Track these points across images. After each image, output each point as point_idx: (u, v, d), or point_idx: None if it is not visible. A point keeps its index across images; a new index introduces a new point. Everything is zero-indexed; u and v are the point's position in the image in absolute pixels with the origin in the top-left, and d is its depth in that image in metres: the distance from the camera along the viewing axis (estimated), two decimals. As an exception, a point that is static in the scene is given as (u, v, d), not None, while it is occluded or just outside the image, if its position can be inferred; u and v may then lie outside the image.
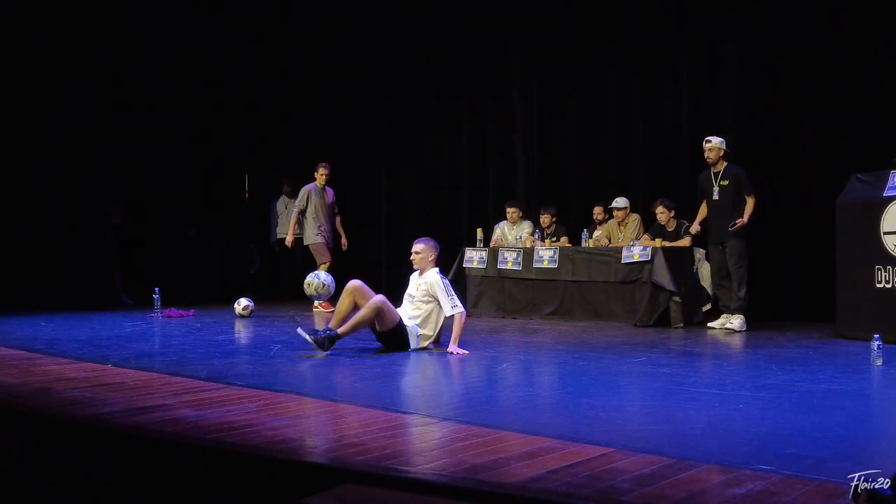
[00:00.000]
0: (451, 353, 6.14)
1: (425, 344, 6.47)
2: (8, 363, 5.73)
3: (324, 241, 10.28)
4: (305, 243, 10.43)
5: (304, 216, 10.33)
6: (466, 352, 6.18)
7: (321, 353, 6.04)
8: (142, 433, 3.64)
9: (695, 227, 8.30)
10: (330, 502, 2.71)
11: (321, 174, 10.29)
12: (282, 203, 12.02)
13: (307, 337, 6.08)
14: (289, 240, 10.43)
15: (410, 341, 6.40)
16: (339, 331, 6.15)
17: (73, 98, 10.46)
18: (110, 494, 3.61)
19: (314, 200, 10.28)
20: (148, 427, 3.72)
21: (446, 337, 6.49)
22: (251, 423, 3.72)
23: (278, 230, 11.91)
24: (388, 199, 12.48)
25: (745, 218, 7.72)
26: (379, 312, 6.19)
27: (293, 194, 11.35)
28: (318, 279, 8.16)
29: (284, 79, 12.95)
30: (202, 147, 11.89)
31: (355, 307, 6.39)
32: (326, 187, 10.40)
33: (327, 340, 6.08)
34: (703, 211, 8.22)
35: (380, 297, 6.25)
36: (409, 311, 6.48)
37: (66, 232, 10.39)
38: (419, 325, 6.44)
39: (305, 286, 8.23)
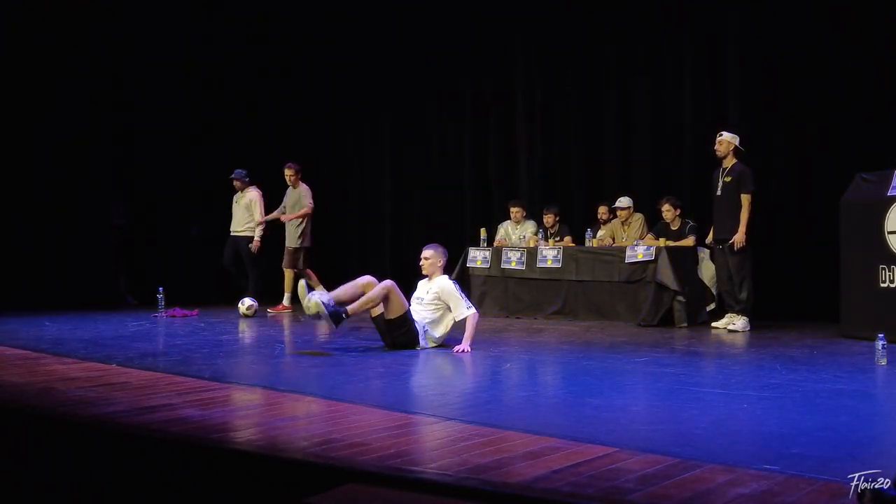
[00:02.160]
0: (457, 350, 6.18)
1: (433, 345, 6.50)
2: (12, 363, 5.74)
3: (288, 246, 9.96)
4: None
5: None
6: (469, 350, 6.20)
7: (332, 327, 6.16)
8: (146, 433, 3.64)
9: (709, 239, 8.14)
10: (334, 502, 2.71)
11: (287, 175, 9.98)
12: (235, 199, 10.55)
13: (322, 308, 6.06)
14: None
15: (420, 340, 6.43)
16: (349, 309, 6.17)
17: (74, 98, 10.46)
18: (114, 494, 3.62)
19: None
20: (152, 427, 3.72)
21: (450, 337, 6.51)
22: (255, 423, 3.72)
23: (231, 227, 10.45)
24: (391, 200, 12.48)
25: (740, 232, 7.56)
26: (389, 294, 6.24)
27: (243, 188, 10.26)
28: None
29: (285, 79, 12.94)
30: (204, 147, 11.88)
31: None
32: (298, 186, 9.97)
33: (338, 317, 6.12)
34: None
35: (390, 281, 6.34)
36: (420, 314, 6.50)
37: (69, 232, 10.40)
38: (428, 326, 6.47)
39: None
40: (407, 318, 6.38)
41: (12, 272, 9.83)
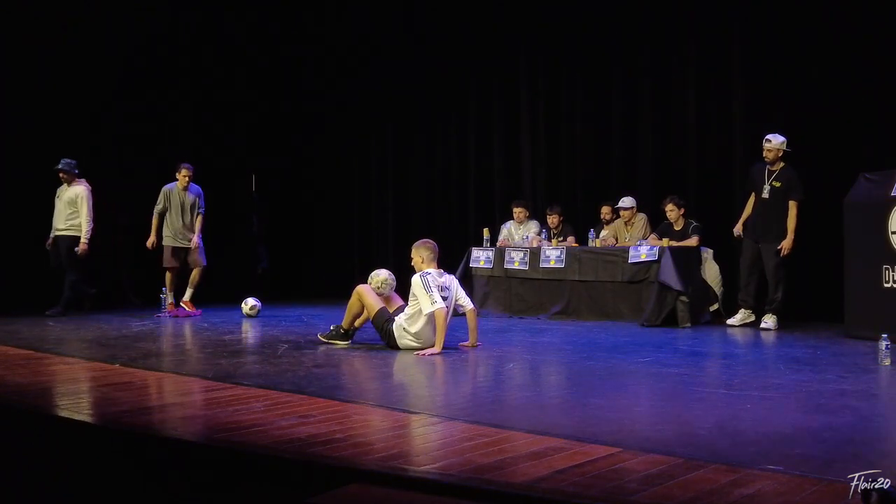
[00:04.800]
0: (422, 354, 6.04)
1: (409, 343, 6.33)
2: (17, 363, 5.76)
3: (171, 245, 9.49)
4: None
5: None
6: (436, 353, 6.05)
7: (343, 344, 6.65)
8: (149, 433, 3.65)
9: (737, 229, 8.16)
10: (337, 502, 2.71)
11: (183, 175, 9.50)
12: (58, 193, 9.53)
13: (323, 338, 6.77)
14: (151, 241, 9.46)
15: (395, 334, 6.37)
16: (343, 324, 6.72)
17: (76, 96, 10.47)
18: (117, 494, 3.62)
19: (173, 201, 9.51)
20: (155, 427, 3.73)
21: (454, 339, 6.50)
22: (258, 423, 3.73)
23: (54, 224, 9.43)
24: (396, 199, 12.48)
25: (789, 239, 7.73)
26: (360, 298, 6.59)
27: (70, 181, 9.36)
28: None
29: (291, 78, 12.96)
30: (208, 146, 11.87)
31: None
32: (190, 187, 9.57)
33: (336, 334, 6.73)
34: (748, 208, 8.13)
35: (360, 286, 6.67)
36: (405, 309, 6.47)
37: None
38: (405, 322, 6.35)
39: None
40: (380, 318, 6.46)
41: (15, 272, 9.82)
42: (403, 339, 6.36)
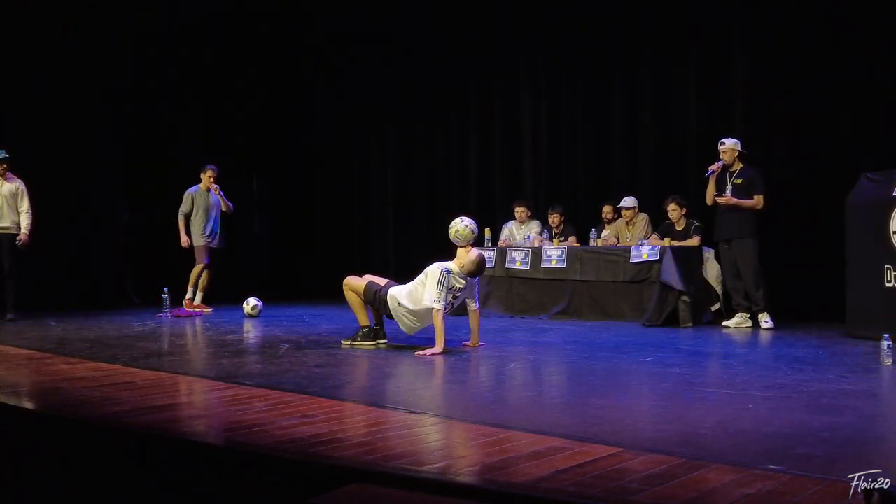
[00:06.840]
0: (420, 354, 6.00)
1: (403, 317, 6.30)
2: (18, 363, 5.76)
3: (205, 243, 9.84)
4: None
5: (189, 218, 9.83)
6: (436, 354, 6.02)
7: (370, 344, 6.51)
8: (151, 433, 3.65)
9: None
10: (339, 502, 2.71)
11: (208, 176, 9.86)
12: None
13: (347, 343, 6.58)
14: (185, 241, 9.76)
15: (389, 304, 6.35)
16: (361, 323, 6.57)
17: (79, 94, 10.48)
18: (119, 494, 3.62)
19: (198, 202, 9.84)
20: (156, 426, 3.72)
21: (455, 339, 6.50)
22: (260, 423, 3.73)
23: None
24: (396, 198, 12.49)
25: (735, 200, 7.81)
26: (348, 286, 6.55)
27: (5, 174, 8.93)
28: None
29: (291, 78, 12.97)
30: (209, 146, 11.88)
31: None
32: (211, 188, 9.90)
33: (360, 335, 6.55)
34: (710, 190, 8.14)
35: (345, 279, 6.62)
36: (406, 285, 6.43)
37: (74, 231, 10.41)
38: (401, 297, 6.30)
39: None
40: (370, 291, 6.43)
41: (19, 272, 9.82)
42: (399, 313, 6.32)
